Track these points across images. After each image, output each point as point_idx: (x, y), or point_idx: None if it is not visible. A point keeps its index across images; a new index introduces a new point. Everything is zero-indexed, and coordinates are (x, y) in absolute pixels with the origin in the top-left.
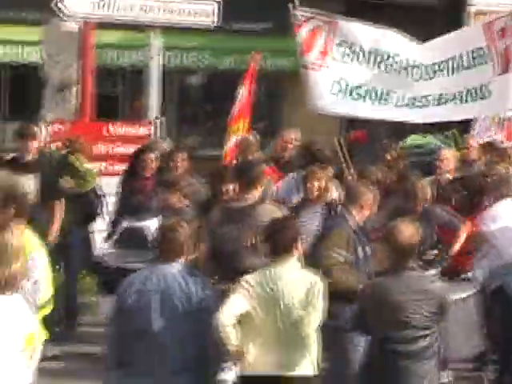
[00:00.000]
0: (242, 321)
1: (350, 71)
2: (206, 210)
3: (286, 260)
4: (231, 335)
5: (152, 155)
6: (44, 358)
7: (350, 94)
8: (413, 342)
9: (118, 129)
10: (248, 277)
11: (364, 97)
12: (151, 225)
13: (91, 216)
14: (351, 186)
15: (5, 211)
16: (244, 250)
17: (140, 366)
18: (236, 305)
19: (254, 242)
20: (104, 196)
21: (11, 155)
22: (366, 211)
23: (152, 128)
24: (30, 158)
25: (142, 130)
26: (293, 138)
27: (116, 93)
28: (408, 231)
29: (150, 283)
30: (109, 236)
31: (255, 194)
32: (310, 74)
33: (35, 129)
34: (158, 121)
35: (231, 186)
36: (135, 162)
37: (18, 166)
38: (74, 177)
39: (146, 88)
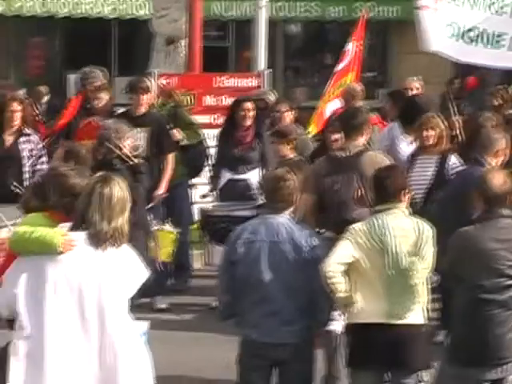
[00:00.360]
0: (351, 269)
1: (461, 14)
2: (313, 160)
3: (394, 208)
4: (339, 284)
5: (249, 104)
6: (158, 310)
7: (462, 38)
8: (503, 291)
9: (227, 81)
10: (356, 226)
11: (476, 41)
12: (253, 176)
13: (198, 168)
14: (485, 133)
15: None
16: (350, 199)
17: (249, 316)
18: (344, 254)
19: (360, 191)
20: (209, 148)
21: (122, 110)
22: (501, 157)
23: (260, 79)
24: (141, 111)
25: (250, 82)
26: (414, 86)
27: (224, 45)
28: (499, 179)
29: (258, 234)
30: (212, 188)
31: (360, 141)
32: (423, 15)
33: (147, 82)
34: (267, 72)
35: (338, 135)
36: (234, 113)
37: (130, 119)
38: (184, 129)
39: (254, 39)
